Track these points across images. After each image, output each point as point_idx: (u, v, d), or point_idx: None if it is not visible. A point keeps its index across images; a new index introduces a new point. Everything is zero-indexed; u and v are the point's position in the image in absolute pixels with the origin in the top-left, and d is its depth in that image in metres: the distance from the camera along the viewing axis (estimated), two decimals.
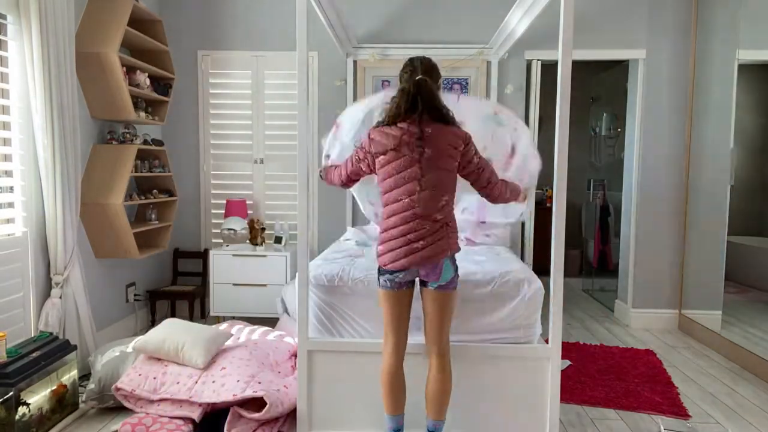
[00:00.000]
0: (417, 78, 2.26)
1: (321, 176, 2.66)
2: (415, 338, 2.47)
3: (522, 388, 2.54)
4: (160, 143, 4.29)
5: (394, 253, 2.26)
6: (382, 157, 2.28)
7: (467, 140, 2.28)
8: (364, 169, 2.39)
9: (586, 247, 6.12)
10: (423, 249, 2.24)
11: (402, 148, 2.23)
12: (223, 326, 3.48)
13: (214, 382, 2.68)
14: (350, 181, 2.49)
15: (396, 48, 4.43)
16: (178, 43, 4.53)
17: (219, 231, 4.49)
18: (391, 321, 2.34)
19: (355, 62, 4.50)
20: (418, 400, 2.38)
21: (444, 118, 2.28)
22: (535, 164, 2.60)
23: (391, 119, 2.28)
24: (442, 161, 2.25)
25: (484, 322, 2.58)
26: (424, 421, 2.38)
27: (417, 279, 2.34)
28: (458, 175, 2.33)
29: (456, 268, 2.33)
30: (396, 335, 2.34)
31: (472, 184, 2.37)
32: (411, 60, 2.37)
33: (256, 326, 3.52)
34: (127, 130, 3.83)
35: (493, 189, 2.37)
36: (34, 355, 2.58)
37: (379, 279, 2.35)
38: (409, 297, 2.37)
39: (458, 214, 2.63)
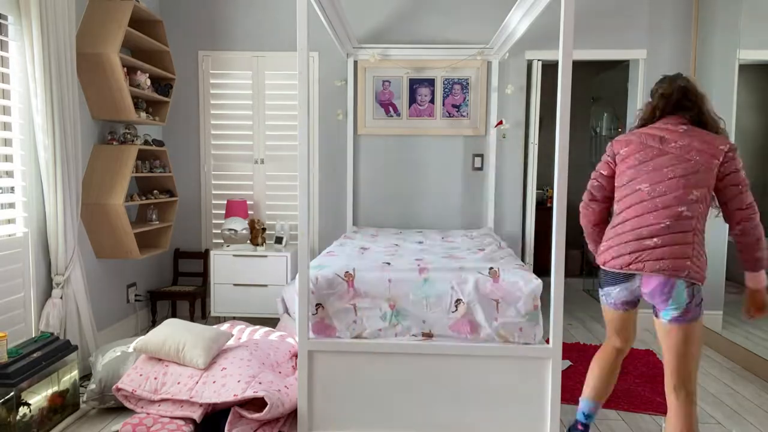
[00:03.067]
0: (680, 82, 2.20)
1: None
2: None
3: (522, 388, 2.54)
4: (160, 143, 4.29)
5: (618, 248, 2.04)
6: (624, 150, 2.16)
7: (735, 150, 2.03)
8: (605, 173, 2.24)
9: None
10: (655, 248, 1.95)
11: (649, 140, 2.10)
12: (225, 327, 3.48)
13: (214, 382, 2.68)
14: (593, 200, 2.32)
15: (396, 48, 4.43)
16: (178, 43, 4.53)
17: (219, 231, 4.50)
18: (609, 331, 2.31)
19: (355, 62, 4.51)
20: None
21: (708, 124, 2.11)
22: None
23: (643, 123, 2.22)
24: (701, 156, 2.00)
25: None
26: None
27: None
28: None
29: (693, 296, 1.99)
30: (615, 341, 2.31)
31: (725, 204, 2.06)
32: (665, 78, 2.27)
33: (257, 326, 3.52)
34: (127, 131, 3.83)
35: (751, 218, 2.01)
36: (35, 355, 2.58)
37: (600, 289, 2.22)
38: (631, 320, 2.20)
39: None
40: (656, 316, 2.05)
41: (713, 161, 1.99)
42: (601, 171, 2.30)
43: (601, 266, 2.15)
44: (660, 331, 2.04)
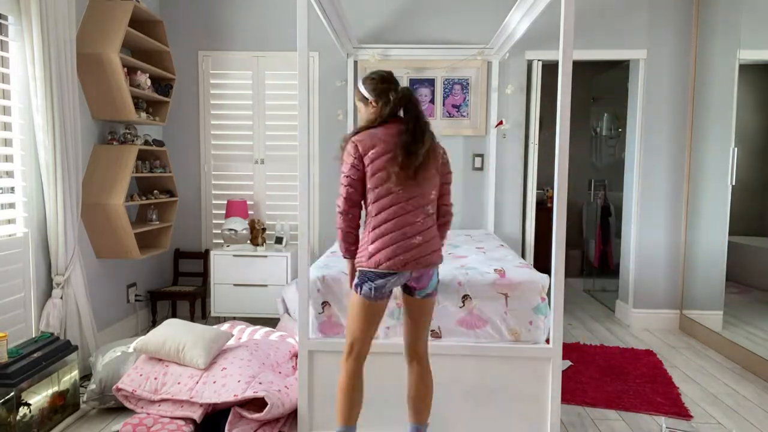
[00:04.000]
0: (406, 88, 2.25)
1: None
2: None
3: (523, 389, 2.54)
4: (160, 144, 4.29)
5: (390, 249, 2.11)
6: (372, 152, 2.14)
7: (445, 153, 2.29)
8: (356, 178, 2.16)
9: (587, 247, 6.11)
10: (420, 246, 2.13)
11: (395, 145, 2.13)
12: (225, 327, 3.48)
13: (215, 382, 2.68)
14: (353, 206, 2.20)
15: (397, 48, 4.43)
16: (178, 43, 4.53)
17: (220, 231, 4.50)
18: (366, 329, 2.21)
19: (355, 63, 4.51)
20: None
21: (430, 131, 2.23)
22: None
23: (380, 121, 2.21)
24: (431, 163, 2.18)
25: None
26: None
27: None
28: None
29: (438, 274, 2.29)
30: (366, 341, 2.24)
31: (438, 199, 2.28)
32: (389, 76, 2.29)
33: (257, 327, 3.52)
34: (127, 131, 3.84)
35: (449, 209, 2.32)
36: (35, 355, 2.58)
37: (361, 286, 2.16)
38: (385, 307, 2.25)
39: None
40: (411, 294, 2.25)
41: (438, 160, 2.25)
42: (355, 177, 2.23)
43: (375, 268, 2.18)
44: (414, 306, 2.26)
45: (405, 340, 2.32)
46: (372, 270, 2.13)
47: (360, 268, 2.18)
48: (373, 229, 2.16)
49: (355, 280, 2.21)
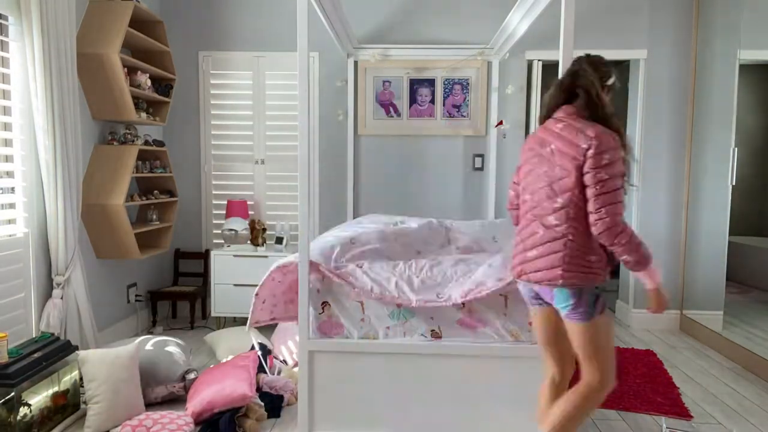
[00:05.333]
0: (574, 68, 1.98)
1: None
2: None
3: (522, 388, 2.53)
4: (161, 144, 4.30)
5: (514, 258, 2.09)
6: (522, 157, 2.16)
7: (599, 145, 1.80)
8: (515, 181, 2.27)
9: None
10: (533, 260, 1.96)
11: (533, 145, 2.04)
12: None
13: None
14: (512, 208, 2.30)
15: (397, 48, 4.43)
16: (179, 43, 4.53)
17: (220, 231, 4.50)
18: (538, 339, 2.17)
19: (356, 63, 4.51)
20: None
21: (595, 114, 1.88)
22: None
23: (544, 115, 2.09)
24: (563, 160, 1.88)
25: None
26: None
27: None
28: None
29: (579, 298, 1.89)
30: (545, 355, 2.16)
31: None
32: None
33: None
34: (128, 131, 3.84)
35: (596, 223, 1.81)
36: (36, 355, 2.58)
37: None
38: (550, 315, 2.06)
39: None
40: None
41: (574, 163, 1.86)
42: (513, 180, 2.32)
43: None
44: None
45: None
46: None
47: None
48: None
49: None
